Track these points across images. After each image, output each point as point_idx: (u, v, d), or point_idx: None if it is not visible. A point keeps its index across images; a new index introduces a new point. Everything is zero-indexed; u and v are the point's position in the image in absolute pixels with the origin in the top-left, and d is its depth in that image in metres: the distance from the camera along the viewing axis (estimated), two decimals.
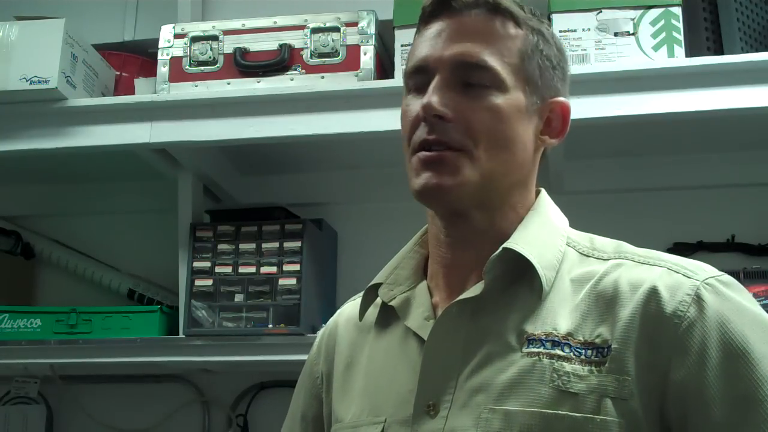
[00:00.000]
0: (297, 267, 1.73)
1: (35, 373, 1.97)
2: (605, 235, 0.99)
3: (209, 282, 1.76)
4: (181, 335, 1.74)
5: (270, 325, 1.71)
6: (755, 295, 1.61)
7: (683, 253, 1.78)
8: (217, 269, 1.77)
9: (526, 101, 0.94)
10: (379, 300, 1.03)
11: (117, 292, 2.01)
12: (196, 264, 1.77)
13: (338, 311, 1.14)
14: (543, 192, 1.01)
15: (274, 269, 1.74)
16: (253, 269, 1.75)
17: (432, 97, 0.91)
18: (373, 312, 1.04)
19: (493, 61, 0.92)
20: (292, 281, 1.73)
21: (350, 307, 1.12)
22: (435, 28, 0.95)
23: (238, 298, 1.75)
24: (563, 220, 1.01)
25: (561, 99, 0.98)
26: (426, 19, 0.97)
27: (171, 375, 1.98)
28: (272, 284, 1.74)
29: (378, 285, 1.02)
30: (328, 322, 1.14)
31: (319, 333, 1.15)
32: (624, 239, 0.99)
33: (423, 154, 0.92)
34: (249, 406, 1.94)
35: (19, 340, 1.80)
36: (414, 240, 1.06)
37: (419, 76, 0.95)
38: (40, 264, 2.11)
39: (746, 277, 1.65)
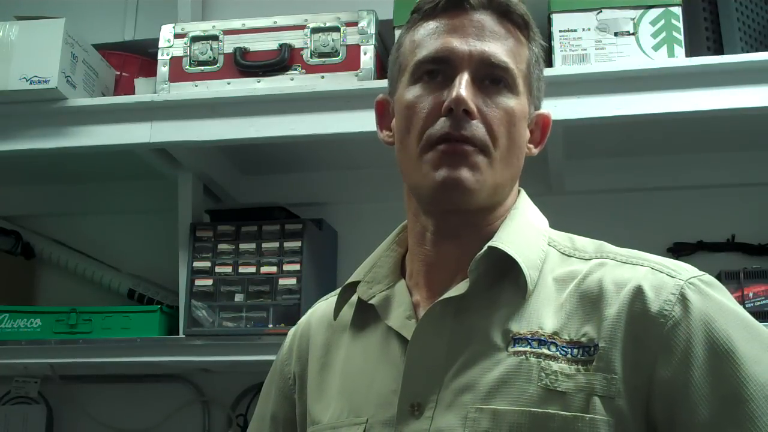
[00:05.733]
0: (297, 267, 1.73)
1: (35, 373, 1.97)
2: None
3: (209, 282, 1.76)
4: (181, 335, 1.74)
5: (270, 325, 1.71)
6: (755, 295, 1.62)
7: (683, 253, 1.78)
8: (217, 269, 1.76)
9: (528, 108, 0.97)
10: (353, 299, 1.02)
11: (117, 292, 2.00)
12: (196, 264, 1.77)
13: (310, 310, 1.12)
14: (522, 192, 1.02)
15: (274, 269, 1.74)
16: (253, 269, 1.75)
17: (464, 91, 0.90)
18: (347, 311, 1.02)
19: (511, 63, 0.94)
20: (292, 281, 1.72)
21: (323, 306, 1.10)
22: (450, 22, 0.94)
23: (238, 298, 1.75)
24: (543, 220, 1.01)
25: (544, 111, 1.01)
26: (436, 12, 0.96)
27: (171, 375, 1.98)
28: (272, 284, 1.73)
29: (355, 283, 1.01)
30: (299, 322, 1.12)
31: (290, 332, 1.12)
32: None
33: (446, 146, 0.90)
34: (249, 406, 1.94)
35: (19, 340, 1.80)
36: (391, 238, 1.05)
37: (436, 65, 0.93)
38: (40, 264, 2.11)
39: (746, 277, 1.64)
